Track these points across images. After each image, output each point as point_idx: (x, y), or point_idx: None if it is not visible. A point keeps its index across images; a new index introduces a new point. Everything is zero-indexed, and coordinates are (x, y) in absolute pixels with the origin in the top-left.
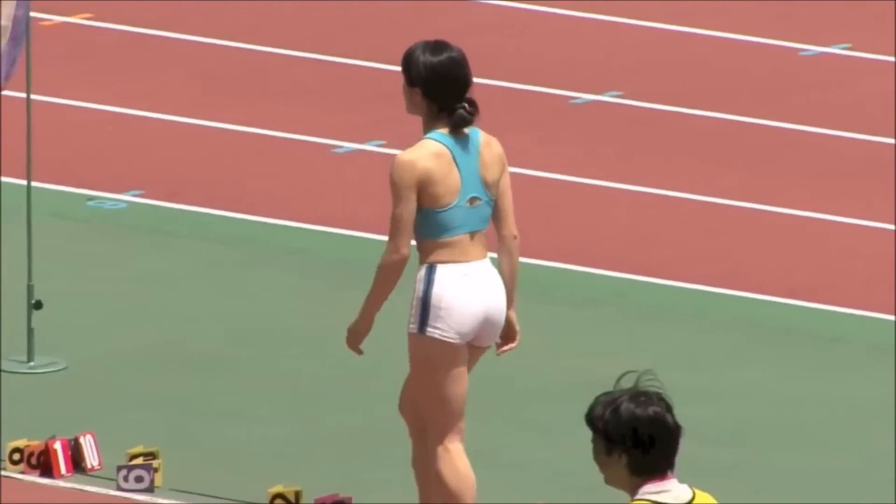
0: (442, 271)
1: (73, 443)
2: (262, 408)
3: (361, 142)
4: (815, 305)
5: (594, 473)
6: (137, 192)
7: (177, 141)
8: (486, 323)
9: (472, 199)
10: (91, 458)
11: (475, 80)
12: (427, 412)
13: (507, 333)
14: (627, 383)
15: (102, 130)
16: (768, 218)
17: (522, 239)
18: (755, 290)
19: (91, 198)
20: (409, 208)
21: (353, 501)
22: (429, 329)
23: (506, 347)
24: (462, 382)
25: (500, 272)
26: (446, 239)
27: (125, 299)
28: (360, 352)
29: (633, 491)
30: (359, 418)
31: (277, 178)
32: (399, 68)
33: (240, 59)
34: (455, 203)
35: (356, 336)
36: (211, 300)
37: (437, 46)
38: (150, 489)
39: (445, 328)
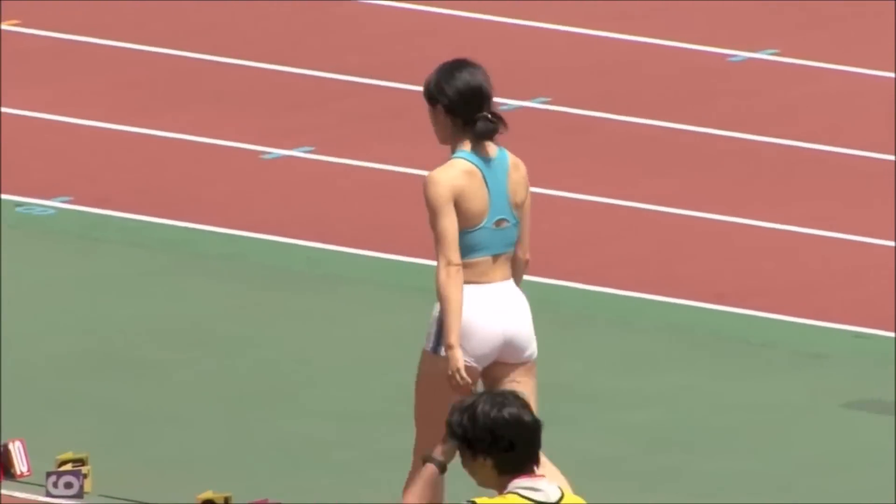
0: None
1: (2, 449)
2: (191, 413)
3: (290, 148)
4: (743, 311)
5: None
6: (66, 199)
7: (105, 147)
8: (507, 344)
9: (500, 221)
10: (20, 465)
11: (403, 86)
12: (422, 431)
13: None
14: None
15: (31, 136)
16: (697, 223)
17: None
18: (684, 296)
19: (19, 204)
20: (452, 219)
21: None
22: (443, 350)
23: None
24: None
25: None
26: (470, 260)
27: (54, 305)
28: (469, 385)
29: (502, 488)
30: (289, 424)
31: (206, 183)
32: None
33: (168, 66)
34: (482, 224)
35: (457, 372)
36: (140, 306)
37: (456, 63)
38: (79, 495)
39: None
